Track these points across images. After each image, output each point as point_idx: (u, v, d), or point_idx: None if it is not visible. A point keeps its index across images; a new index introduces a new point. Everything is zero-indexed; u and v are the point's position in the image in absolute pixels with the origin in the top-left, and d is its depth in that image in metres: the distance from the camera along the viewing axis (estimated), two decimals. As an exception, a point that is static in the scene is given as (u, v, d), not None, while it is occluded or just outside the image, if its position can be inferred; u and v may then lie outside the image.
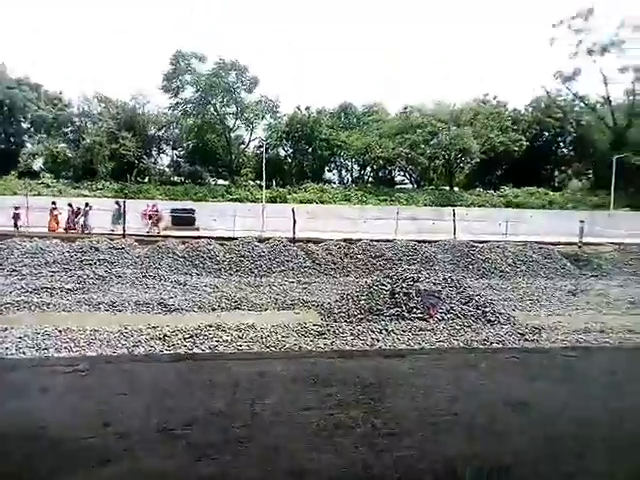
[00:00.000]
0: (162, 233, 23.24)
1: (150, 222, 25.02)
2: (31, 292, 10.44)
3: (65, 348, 5.52)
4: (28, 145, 41.98)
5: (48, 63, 69.09)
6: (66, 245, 15.02)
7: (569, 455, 2.62)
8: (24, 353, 5.28)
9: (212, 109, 38.73)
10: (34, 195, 28.24)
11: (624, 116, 38.18)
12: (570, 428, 2.98)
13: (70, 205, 24.97)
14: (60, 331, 6.19)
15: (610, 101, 38.57)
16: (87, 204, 24.94)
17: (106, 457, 2.45)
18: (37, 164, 40.67)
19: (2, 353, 5.22)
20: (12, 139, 41.85)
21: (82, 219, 24.20)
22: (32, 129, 42.35)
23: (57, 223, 24.10)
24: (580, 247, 18.70)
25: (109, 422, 2.86)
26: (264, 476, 2.31)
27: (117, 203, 25.37)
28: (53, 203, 24.98)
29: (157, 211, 25.94)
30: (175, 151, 44.17)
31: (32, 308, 9.03)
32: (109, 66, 67.61)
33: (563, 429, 2.96)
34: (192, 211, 28.89)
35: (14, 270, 12.81)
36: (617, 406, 3.43)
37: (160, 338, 5.98)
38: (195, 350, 5.55)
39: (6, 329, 6.23)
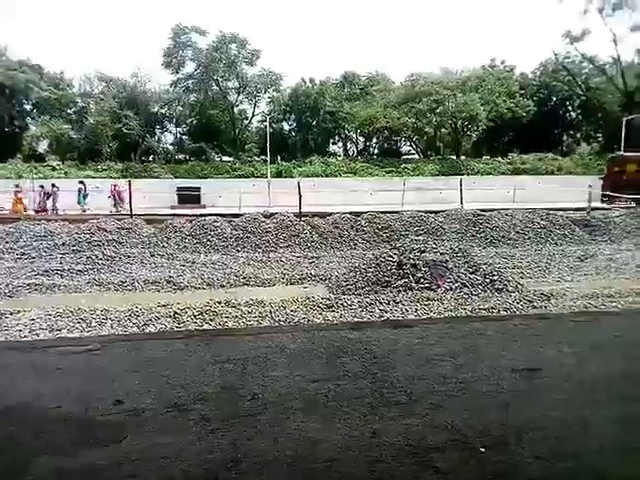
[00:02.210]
0: (163, 212, 23.14)
1: (114, 202, 25.34)
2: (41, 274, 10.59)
3: (77, 328, 5.61)
4: (32, 128, 41.81)
5: (48, 44, 68.20)
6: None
7: (575, 419, 2.65)
8: (37, 335, 5.37)
9: (214, 84, 38.22)
10: (40, 178, 28.24)
11: (635, 76, 37.21)
12: (578, 392, 3.01)
13: (42, 187, 25.08)
14: (72, 312, 6.27)
15: (620, 61, 37.44)
16: (54, 185, 24.92)
17: (121, 434, 2.51)
18: (42, 146, 40.60)
19: (16, 335, 5.32)
20: (16, 122, 41.61)
21: (51, 201, 24.32)
22: (35, 111, 42.02)
23: (22, 205, 24.03)
24: (589, 212, 18.48)
25: (123, 399, 2.93)
26: (275, 447, 2.37)
27: (81, 183, 25.87)
28: (16, 186, 24.78)
29: (119, 192, 26.00)
30: (179, 129, 43.79)
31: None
32: (109, 44, 66.78)
33: (571, 393, 2.99)
34: (197, 189, 28.88)
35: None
36: (623, 368, 3.45)
37: (170, 316, 6.04)
38: (205, 327, 5.60)
39: (19, 312, 6.32)
